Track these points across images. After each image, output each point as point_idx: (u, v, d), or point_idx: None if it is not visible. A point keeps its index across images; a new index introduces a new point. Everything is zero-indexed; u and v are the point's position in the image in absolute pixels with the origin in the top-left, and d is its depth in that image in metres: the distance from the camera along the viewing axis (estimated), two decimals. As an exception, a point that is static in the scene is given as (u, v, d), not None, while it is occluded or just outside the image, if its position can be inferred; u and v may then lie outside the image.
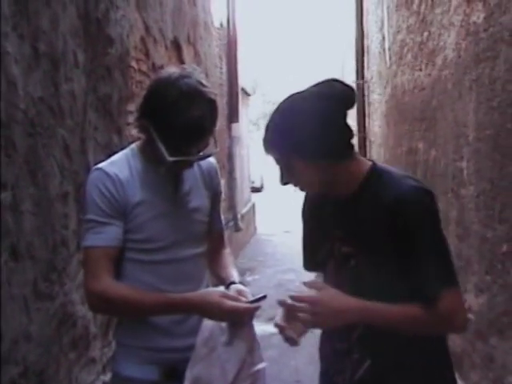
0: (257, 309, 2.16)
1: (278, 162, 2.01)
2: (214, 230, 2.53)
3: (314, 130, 1.88)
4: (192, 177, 2.39)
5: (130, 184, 2.22)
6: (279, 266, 10.92)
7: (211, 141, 2.27)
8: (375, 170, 2.00)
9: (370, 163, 2.03)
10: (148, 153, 2.27)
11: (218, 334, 2.18)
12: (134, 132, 4.65)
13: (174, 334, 2.28)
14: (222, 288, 2.25)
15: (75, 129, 3.15)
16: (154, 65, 5.38)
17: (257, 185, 27.34)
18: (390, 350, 1.94)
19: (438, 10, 5.40)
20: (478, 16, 4.20)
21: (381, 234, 1.89)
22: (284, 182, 2.05)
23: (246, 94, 15.21)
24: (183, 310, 2.19)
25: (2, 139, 2.25)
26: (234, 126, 11.68)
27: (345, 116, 1.99)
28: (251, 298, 2.19)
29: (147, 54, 5.13)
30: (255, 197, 18.32)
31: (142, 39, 4.96)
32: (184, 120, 2.10)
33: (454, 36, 4.85)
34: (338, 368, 2.10)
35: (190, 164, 2.28)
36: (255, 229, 15.79)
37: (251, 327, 2.22)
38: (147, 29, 5.09)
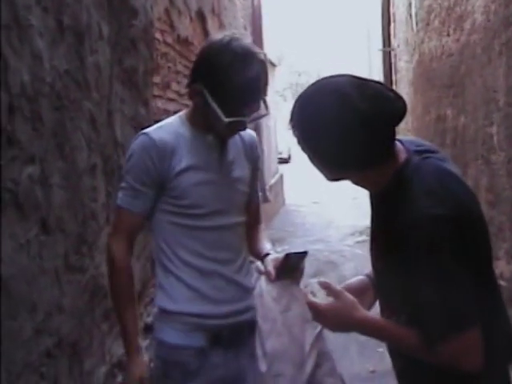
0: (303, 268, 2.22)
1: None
2: (252, 203, 2.56)
3: (339, 146, 1.71)
4: (235, 147, 2.42)
5: (176, 150, 2.27)
6: (308, 237, 10.93)
7: (262, 103, 2.30)
8: (402, 173, 1.76)
9: (402, 161, 1.78)
10: (196, 120, 2.33)
11: (273, 305, 2.22)
12: (160, 104, 4.66)
13: (217, 300, 2.32)
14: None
15: (101, 101, 3.15)
16: (178, 36, 5.35)
17: (284, 156, 27.25)
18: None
19: (466, -27, 5.30)
20: (508, -23, 4.11)
21: (394, 249, 1.73)
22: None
23: (272, 64, 15.11)
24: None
25: (29, 113, 2.26)
26: (260, 97, 11.63)
27: (384, 130, 1.74)
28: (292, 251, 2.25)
29: (172, 26, 5.11)
30: (283, 168, 18.30)
31: (166, 10, 4.93)
32: (240, 80, 2.14)
33: (483, -1, 4.76)
34: None
35: (243, 126, 2.31)
36: (283, 200, 15.78)
37: (299, 286, 2.23)
38: (171, 0, 5.05)
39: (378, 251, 1.91)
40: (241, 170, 2.43)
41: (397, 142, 1.81)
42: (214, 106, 2.18)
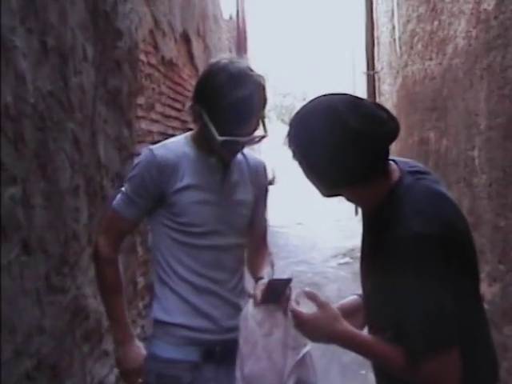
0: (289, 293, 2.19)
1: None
2: (255, 227, 2.59)
3: (331, 162, 1.75)
4: (240, 171, 2.48)
5: (178, 168, 2.35)
6: (291, 258, 10.91)
7: (260, 125, 2.36)
8: (394, 192, 1.79)
9: (395, 180, 1.81)
10: (200, 141, 2.40)
11: (256, 328, 2.22)
12: (144, 125, 4.66)
13: (211, 316, 2.38)
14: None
15: (85, 122, 3.15)
16: (163, 58, 5.38)
17: (268, 177, 27.25)
18: None
19: (448, -1, 5.37)
20: (489, 3, 4.17)
21: (384, 266, 1.76)
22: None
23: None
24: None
25: (12, 133, 2.26)
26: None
27: (375, 149, 1.76)
28: (274, 277, 2.29)
29: (156, 47, 5.13)
30: (267, 189, 18.28)
31: (151, 32, 4.96)
32: (231, 100, 2.20)
33: (465, 24, 4.83)
34: None
35: (239, 146, 2.35)
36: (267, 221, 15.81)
37: (285, 311, 2.21)
38: (156, 22, 5.08)
39: (367, 269, 1.94)
40: (243, 194, 2.48)
41: (391, 162, 1.84)
42: (210, 125, 2.25)
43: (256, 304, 2.27)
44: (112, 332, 2.50)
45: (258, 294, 2.28)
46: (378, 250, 1.80)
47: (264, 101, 2.33)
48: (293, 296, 2.01)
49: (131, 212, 2.39)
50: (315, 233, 14.08)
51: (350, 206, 13.18)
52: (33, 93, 2.45)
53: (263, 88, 2.31)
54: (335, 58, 22.91)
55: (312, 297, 1.88)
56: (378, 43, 10.62)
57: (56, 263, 2.71)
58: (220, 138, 2.23)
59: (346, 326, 1.82)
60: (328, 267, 9.93)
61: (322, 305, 1.85)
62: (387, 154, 1.79)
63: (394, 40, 8.56)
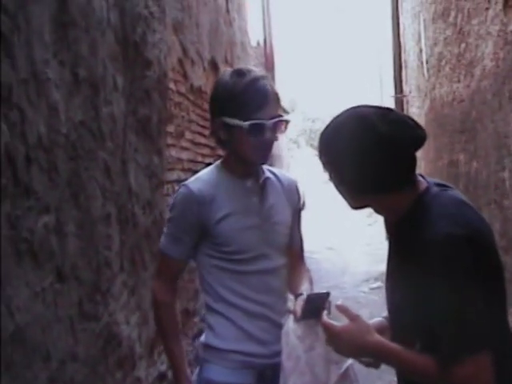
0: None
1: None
2: (293, 245, 2.62)
3: (359, 168, 1.79)
4: (275, 191, 2.52)
5: (215, 198, 2.38)
6: (323, 283, 10.83)
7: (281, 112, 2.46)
8: (421, 201, 1.82)
9: (421, 190, 1.85)
10: (232, 165, 2.45)
11: (297, 343, 2.23)
12: (174, 153, 4.71)
13: (263, 341, 2.42)
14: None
15: (116, 151, 3.20)
16: (192, 86, 5.43)
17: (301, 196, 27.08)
18: None
19: (474, 21, 5.37)
20: (515, 25, 4.17)
21: (411, 274, 1.77)
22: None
23: (285, 111, 15.26)
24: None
25: (46, 163, 2.30)
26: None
27: (403, 154, 1.80)
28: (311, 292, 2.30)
29: (185, 76, 5.19)
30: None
31: (180, 61, 5.02)
32: (248, 88, 2.28)
33: (492, 46, 4.82)
34: None
35: (265, 131, 2.33)
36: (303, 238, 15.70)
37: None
38: (184, 50, 5.15)
39: (394, 284, 1.94)
40: (281, 214, 2.51)
41: (418, 175, 1.87)
42: (232, 121, 2.29)
43: (296, 320, 2.27)
44: (173, 372, 2.55)
45: (298, 309, 2.29)
46: (406, 260, 1.81)
47: (277, 91, 2.39)
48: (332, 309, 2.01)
49: (179, 250, 2.44)
50: (346, 257, 13.99)
51: (381, 230, 13.10)
52: (65, 123, 2.50)
53: (269, 78, 2.40)
54: (363, 82, 22.92)
55: (343, 310, 1.87)
56: (406, 66, 10.62)
57: (88, 290, 2.74)
58: (245, 123, 2.27)
59: (378, 337, 1.83)
60: (360, 292, 9.86)
61: (353, 317, 1.86)
62: (414, 161, 1.82)
63: (422, 63, 8.56)
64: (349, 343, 1.83)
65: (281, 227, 2.50)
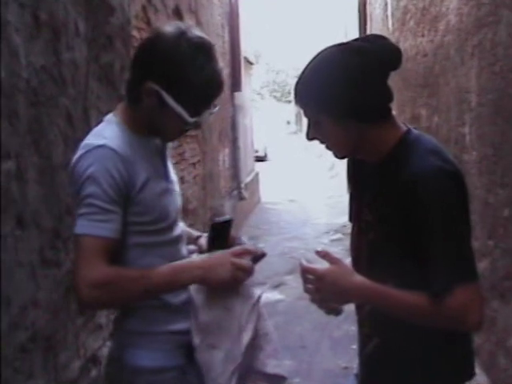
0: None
1: (307, 115, 1.90)
2: None
3: (344, 86, 1.78)
4: (168, 150, 2.28)
5: (134, 162, 1.99)
6: (284, 234, 10.97)
7: None
8: (406, 139, 1.85)
9: (404, 130, 1.89)
10: (138, 123, 2.08)
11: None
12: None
13: (188, 314, 2.14)
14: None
15: (78, 98, 3.16)
16: (155, 34, 5.35)
17: (261, 154, 27.24)
18: (399, 329, 1.85)
19: (440, -25, 5.36)
20: (480, -20, 4.18)
21: (397, 212, 1.78)
22: (310, 138, 1.93)
23: (249, 63, 15.13)
24: (189, 275, 1.99)
25: (6, 108, 2.27)
26: (236, 94, 11.66)
27: (383, 76, 1.85)
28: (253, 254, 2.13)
29: (148, 23, 5.11)
30: (259, 166, 18.33)
31: (144, 8, 4.94)
32: (207, 76, 1.96)
33: (456, 1, 4.83)
34: (358, 338, 2.10)
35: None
36: (259, 198, 15.82)
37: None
38: (148, -3, 5.07)
39: (369, 223, 1.92)
40: (173, 172, 2.29)
41: (394, 115, 1.91)
42: (176, 106, 1.96)
43: (203, 251, 2.21)
44: (185, 282, 2.06)
45: (203, 242, 2.23)
46: (388, 197, 1.82)
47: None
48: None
49: (111, 226, 1.91)
50: (307, 209, 14.13)
51: (342, 183, 13.22)
52: (26, 68, 2.46)
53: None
54: (327, 35, 22.82)
55: (324, 254, 1.83)
56: (371, 19, 10.60)
57: (50, 237, 2.73)
58: (192, 120, 1.99)
59: (363, 278, 1.79)
60: (320, 243, 9.98)
61: (335, 260, 1.81)
62: (389, 90, 1.86)
63: (387, 16, 8.54)
64: (334, 286, 1.77)
65: (177, 186, 2.26)
